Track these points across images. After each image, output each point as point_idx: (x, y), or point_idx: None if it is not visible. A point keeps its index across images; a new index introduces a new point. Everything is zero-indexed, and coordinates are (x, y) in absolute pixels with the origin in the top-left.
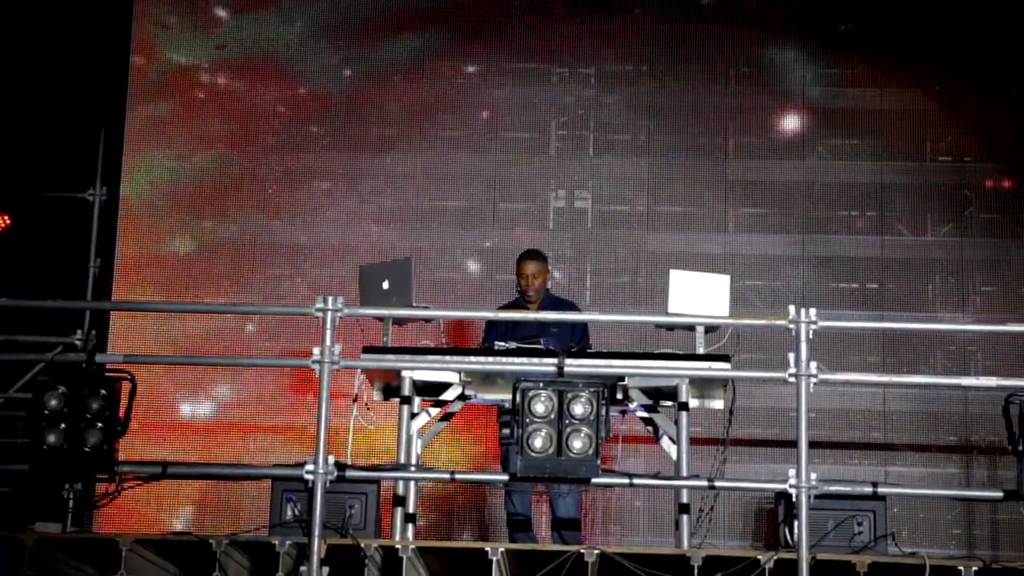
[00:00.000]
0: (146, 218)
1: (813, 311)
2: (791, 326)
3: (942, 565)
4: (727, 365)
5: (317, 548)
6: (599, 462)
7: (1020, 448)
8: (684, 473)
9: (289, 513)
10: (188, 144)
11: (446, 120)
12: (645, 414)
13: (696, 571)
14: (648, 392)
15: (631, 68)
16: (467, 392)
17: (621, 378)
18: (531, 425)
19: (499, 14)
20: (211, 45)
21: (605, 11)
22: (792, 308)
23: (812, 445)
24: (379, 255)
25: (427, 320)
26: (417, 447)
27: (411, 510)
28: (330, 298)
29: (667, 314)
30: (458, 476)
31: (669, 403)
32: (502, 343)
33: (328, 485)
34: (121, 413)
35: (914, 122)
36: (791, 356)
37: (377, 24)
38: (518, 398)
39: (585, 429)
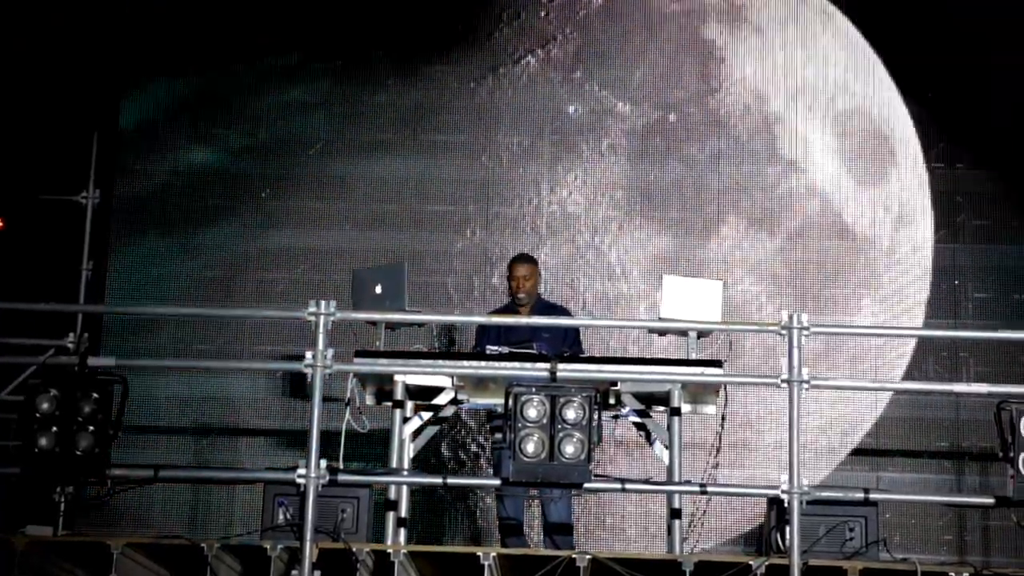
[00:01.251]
0: (138, 223)
1: (805, 317)
2: (783, 332)
3: (933, 571)
4: (719, 370)
5: (309, 552)
6: (591, 467)
7: (1011, 454)
8: (676, 478)
9: (281, 517)
10: (181, 149)
11: (439, 124)
12: (638, 419)
13: None
14: (641, 397)
15: (624, 74)
16: (459, 396)
17: (614, 383)
18: (523, 430)
19: (492, 18)
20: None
21: (600, 16)
22: (784, 314)
23: (804, 451)
24: (372, 259)
25: (420, 324)
26: (409, 451)
27: (403, 514)
28: (323, 302)
29: (660, 319)
30: (450, 480)
31: (661, 408)
32: (494, 347)
33: (320, 489)
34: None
35: (906, 128)
36: (783, 362)
37: (370, 27)
38: (511, 403)
39: (577, 434)
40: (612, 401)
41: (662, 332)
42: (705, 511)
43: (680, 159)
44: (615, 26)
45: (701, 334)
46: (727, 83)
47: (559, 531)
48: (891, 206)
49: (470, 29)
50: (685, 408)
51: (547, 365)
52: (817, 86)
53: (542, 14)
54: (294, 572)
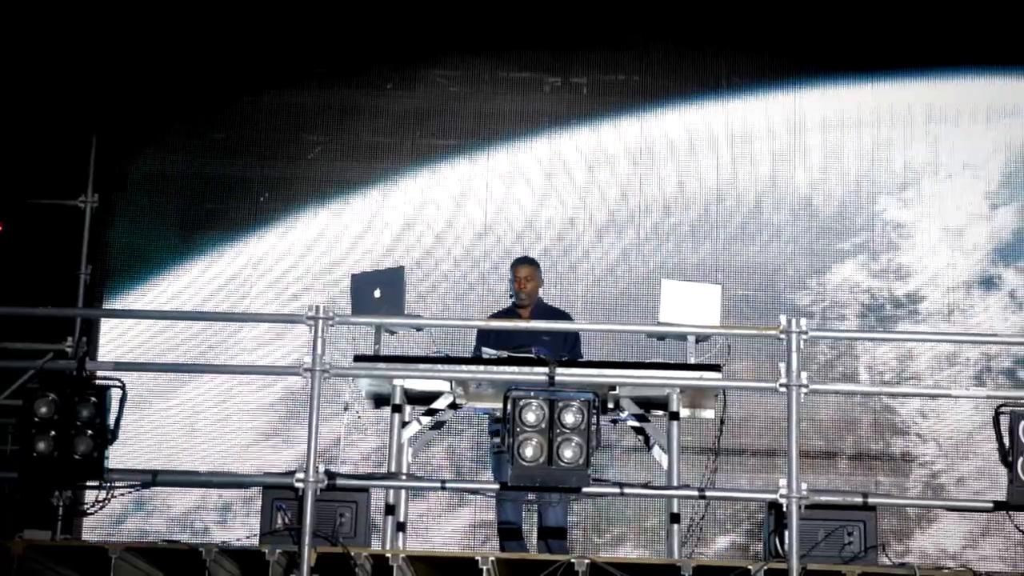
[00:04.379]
0: (136, 227)
1: (804, 321)
2: (782, 336)
3: None
4: (718, 375)
5: (307, 557)
6: (590, 471)
7: (1010, 458)
8: (675, 483)
9: (279, 521)
10: (180, 153)
11: (438, 129)
12: (636, 423)
13: None
14: (639, 402)
15: (623, 78)
16: (458, 401)
17: (612, 387)
18: (522, 434)
19: (491, 22)
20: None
21: (598, 21)
22: (783, 318)
23: (803, 455)
24: (371, 264)
25: (418, 329)
26: (408, 455)
27: (402, 519)
28: (321, 306)
29: (658, 324)
30: (449, 485)
31: (660, 412)
32: (491, 350)
33: (318, 493)
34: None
35: (899, 133)
36: (782, 366)
37: (370, 32)
38: (509, 407)
39: (576, 438)
40: (611, 405)
41: (661, 336)
42: (704, 515)
43: (679, 163)
44: (612, 31)
45: (700, 338)
46: (726, 90)
47: (554, 535)
48: None
49: (468, 34)
50: (684, 412)
51: (546, 369)
52: None
53: (540, 20)
54: None
